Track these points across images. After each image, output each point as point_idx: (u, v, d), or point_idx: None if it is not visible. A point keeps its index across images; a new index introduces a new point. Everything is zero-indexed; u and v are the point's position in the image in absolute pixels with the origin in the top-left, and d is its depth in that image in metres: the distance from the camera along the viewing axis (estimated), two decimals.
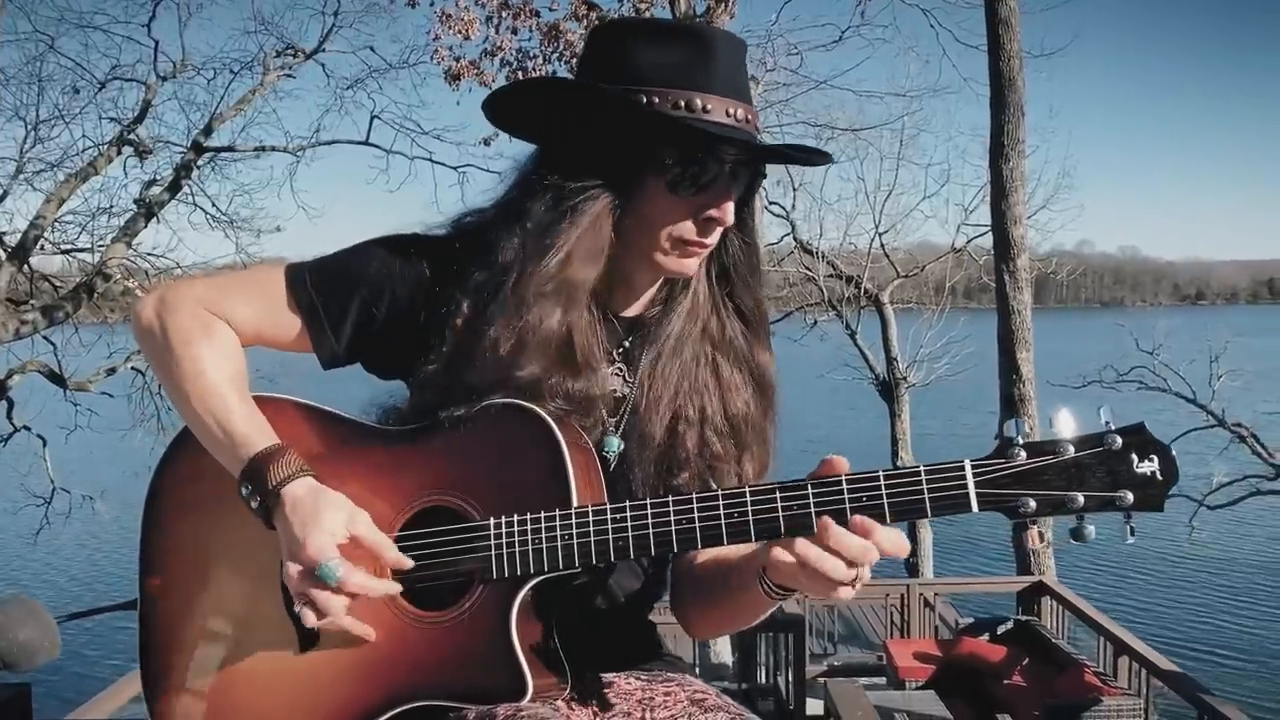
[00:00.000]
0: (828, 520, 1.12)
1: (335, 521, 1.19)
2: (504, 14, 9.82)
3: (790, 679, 6.33)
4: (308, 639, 1.27)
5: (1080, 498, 1.10)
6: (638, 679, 1.38)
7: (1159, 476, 1.10)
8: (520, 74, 10.08)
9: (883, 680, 7.16)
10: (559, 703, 1.27)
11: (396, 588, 1.23)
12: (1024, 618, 6.78)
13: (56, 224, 13.64)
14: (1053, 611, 6.85)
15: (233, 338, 1.34)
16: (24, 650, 1.35)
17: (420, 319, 1.32)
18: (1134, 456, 1.10)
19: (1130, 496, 1.10)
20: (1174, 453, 1.11)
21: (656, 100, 1.26)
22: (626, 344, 1.40)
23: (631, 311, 1.41)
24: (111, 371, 13.76)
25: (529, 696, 1.18)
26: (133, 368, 13.80)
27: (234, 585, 1.31)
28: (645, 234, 1.30)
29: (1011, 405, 9.16)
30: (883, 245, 19.13)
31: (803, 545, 1.12)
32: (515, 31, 9.95)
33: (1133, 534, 1.11)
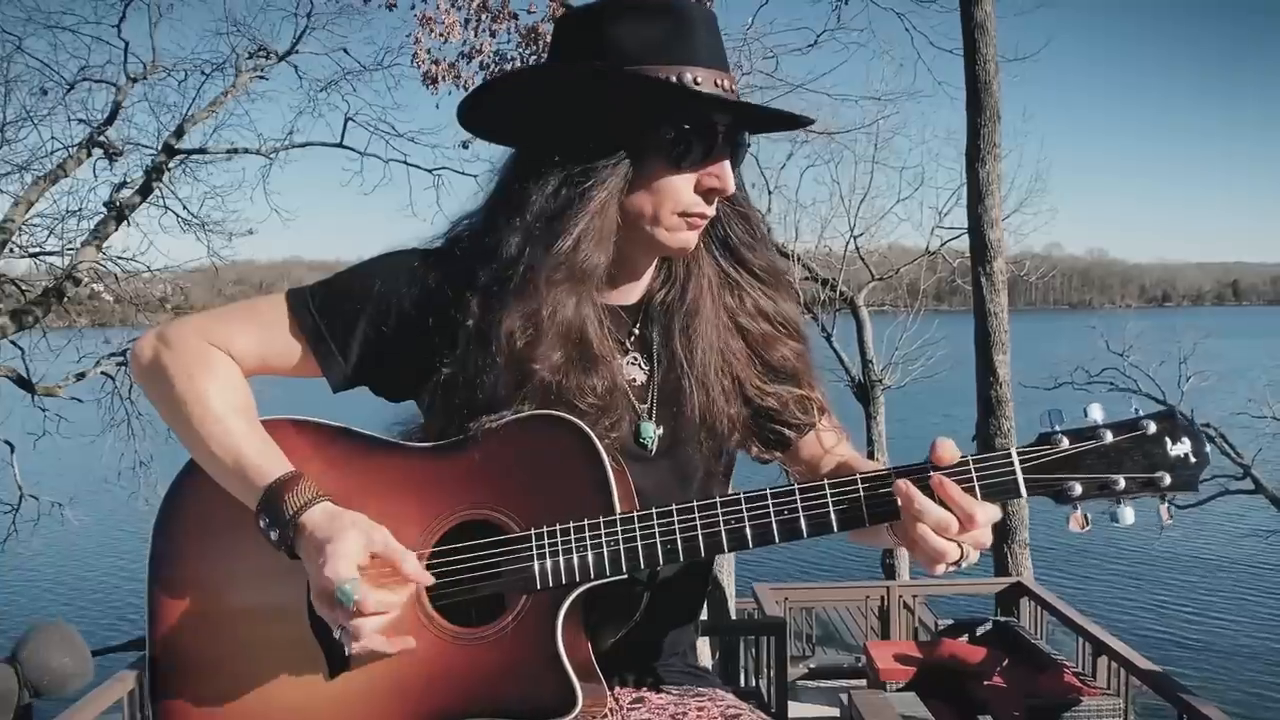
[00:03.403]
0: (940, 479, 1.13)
1: (352, 543, 1.15)
2: (483, 16, 9.77)
3: (772, 682, 6.34)
4: (338, 664, 1.23)
5: (1121, 480, 1.14)
6: (669, 693, 1.37)
7: (1192, 458, 1.14)
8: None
9: (863, 683, 7.16)
10: None
11: (418, 582, 1.19)
12: (1003, 619, 6.82)
13: (24, 227, 13.41)
14: (1031, 612, 6.89)
15: (235, 369, 1.31)
16: (56, 677, 1.32)
17: (430, 332, 1.29)
18: (1167, 440, 1.14)
19: (1168, 477, 1.14)
20: (1204, 434, 1.16)
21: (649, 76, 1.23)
22: (636, 330, 1.39)
23: (633, 298, 1.40)
24: (80, 376, 13.51)
25: (578, 709, 1.16)
26: (102, 372, 13.58)
27: (257, 615, 1.27)
28: (649, 212, 1.29)
29: (989, 407, 9.19)
30: (857, 248, 19.17)
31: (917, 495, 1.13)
32: (493, 34, 9.91)
33: (1170, 516, 1.15)
